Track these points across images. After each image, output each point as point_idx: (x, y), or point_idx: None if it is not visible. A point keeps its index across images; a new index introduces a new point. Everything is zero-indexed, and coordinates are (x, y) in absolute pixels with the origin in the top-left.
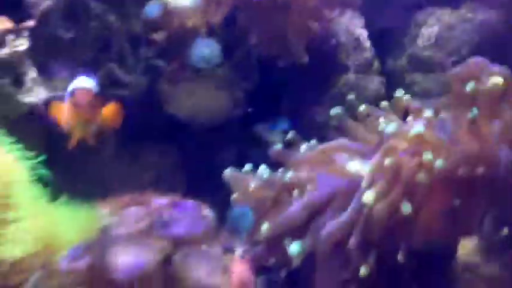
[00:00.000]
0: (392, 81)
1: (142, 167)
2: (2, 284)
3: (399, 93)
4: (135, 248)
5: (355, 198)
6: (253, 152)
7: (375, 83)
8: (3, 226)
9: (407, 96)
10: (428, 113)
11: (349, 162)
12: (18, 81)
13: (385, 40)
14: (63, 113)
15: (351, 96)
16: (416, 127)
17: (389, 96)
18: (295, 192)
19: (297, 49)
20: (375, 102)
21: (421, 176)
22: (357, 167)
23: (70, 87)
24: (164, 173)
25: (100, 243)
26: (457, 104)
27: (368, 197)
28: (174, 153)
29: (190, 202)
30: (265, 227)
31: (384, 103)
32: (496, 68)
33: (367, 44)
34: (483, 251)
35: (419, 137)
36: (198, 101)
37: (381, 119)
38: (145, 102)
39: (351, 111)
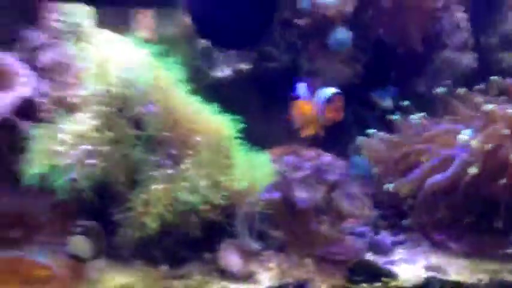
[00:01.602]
0: (483, 57)
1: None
2: (226, 205)
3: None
4: (308, 188)
5: (457, 162)
6: (366, 112)
7: (468, 59)
8: (230, 169)
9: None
10: None
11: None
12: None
13: (480, 20)
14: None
15: (448, 81)
16: None
17: (479, 71)
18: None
19: (416, 41)
20: (466, 76)
21: None
22: (463, 139)
23: (324, 93)
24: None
25: (284, 184)
26: None
27: (473, 169)
28: None
29: (329, 155)
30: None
31: (478, 87)
32: None
33: (466, 25)
34: None
35: None
36: (328, 73)
37: (479, 99)
38: (288, 75)
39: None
